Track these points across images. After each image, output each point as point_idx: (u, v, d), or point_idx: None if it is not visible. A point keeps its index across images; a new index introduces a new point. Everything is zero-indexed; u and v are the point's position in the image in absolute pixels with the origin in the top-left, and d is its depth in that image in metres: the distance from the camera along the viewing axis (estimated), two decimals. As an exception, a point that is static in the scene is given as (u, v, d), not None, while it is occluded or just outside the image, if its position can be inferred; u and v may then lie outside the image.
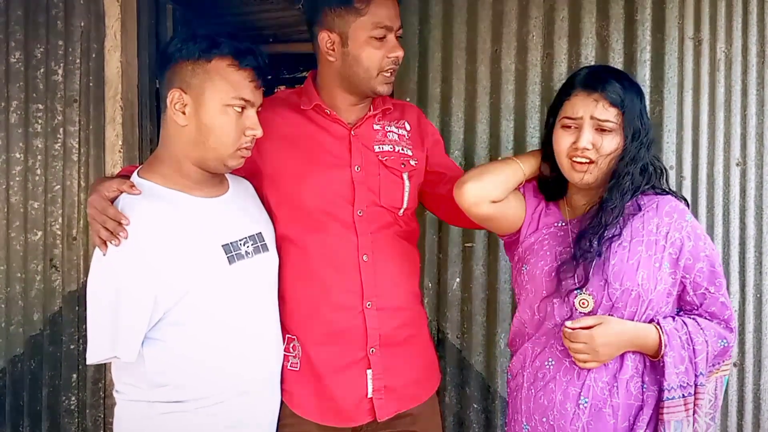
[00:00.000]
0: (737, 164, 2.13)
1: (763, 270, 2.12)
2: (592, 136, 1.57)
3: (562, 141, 1.60)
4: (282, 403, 1.75)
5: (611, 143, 1.56)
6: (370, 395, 1.74)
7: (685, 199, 1.64)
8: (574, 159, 1.58)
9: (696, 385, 1.52)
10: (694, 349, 1.52)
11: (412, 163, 1.86)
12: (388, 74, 1.77)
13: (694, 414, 1.52)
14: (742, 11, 2.14)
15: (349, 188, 1.76)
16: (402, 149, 1.87)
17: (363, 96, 1.81)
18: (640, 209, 1.59)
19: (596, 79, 1.61)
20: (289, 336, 1.75)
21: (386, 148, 1.84)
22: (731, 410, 2.14)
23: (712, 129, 2.15)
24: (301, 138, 1.79)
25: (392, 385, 1.75)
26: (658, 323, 1.53)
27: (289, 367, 1.75)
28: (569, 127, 1.59)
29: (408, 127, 1.91)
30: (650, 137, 1.61)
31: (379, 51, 1.74)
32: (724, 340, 1.55)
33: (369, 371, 1.74)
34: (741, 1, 2.14)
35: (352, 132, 1.80)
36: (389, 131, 1.87)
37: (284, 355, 1.75)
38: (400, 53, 1.77)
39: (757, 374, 2.13)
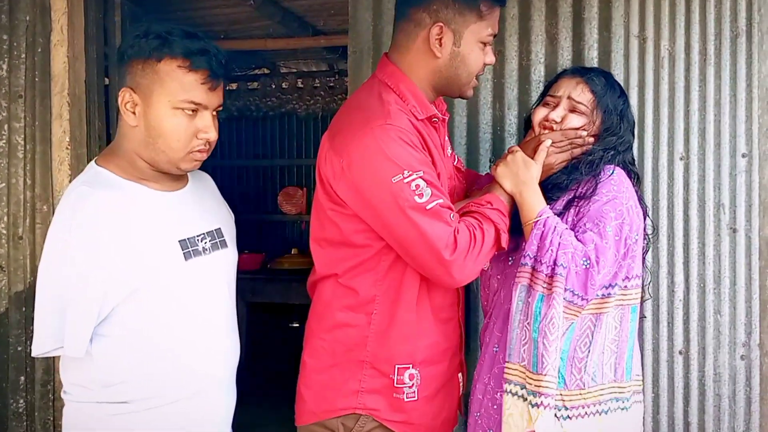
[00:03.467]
0: (681, 159, 2.20)
1: (706, 261, 2.19)
2: (564, 112, 1.78)
3: (539, 113, 1.81)
4: None
5: (575, 121, 1.77)
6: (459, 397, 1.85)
7: None
8: (543, 131, 1.78)
9: (554, 274, 1.64)
10: (560, 243, 1.64)
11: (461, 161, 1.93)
12: (477, 80, 1.74)
13: (552, 293, 1.63)
14: (684, 10, 2.20)
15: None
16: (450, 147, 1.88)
17: (443, 96, 1.78)
18: None
19: (584, 68, 1.87)
20: (402, 366, 1.67)
21: (449, 150, 1.85)
22: (677, 397, 2.20)
23: (657, 124, 2.21)
24: (432, 155, 1.67)
25: (464, 384, 1.88)
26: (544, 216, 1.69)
27: (406, 399, 1.67)
28: (548, 104, 1.80)
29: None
30: (620, 143, 1.79)
31: (482, 57, 1.69)
32: (587, 261, 1.65)
33: (459, 375, 1.84)
34: (684, 1, 2.20)
35: (442, 141, 1.77)
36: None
37: (397, 387, 1.67)
38: (494, 60, 1.74)
39: (702, 361, 2.19)
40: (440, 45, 1.65)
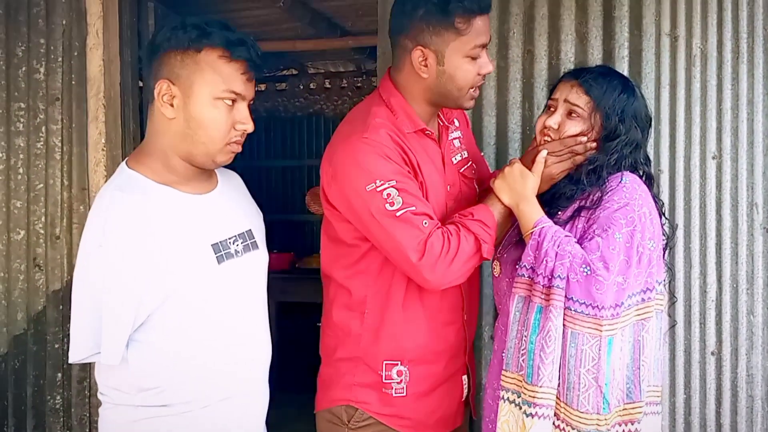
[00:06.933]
0: (713, 158, 2.18)
1: (739, 261, 2.16)
2: (561, 118, 1.75)
3: (540, 121, 1.80)
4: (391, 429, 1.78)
5: (573, 127, 1.74)
6: (464, 398, 1.89)
7: None
8: (544, 138, 1.77)
9: (551, 285, 1.64)
10: (557, 252, 1.63)
11: (474, 165, 1.92)
12: (475, 90, 1.75)
13: (549, 304, 1.63)
14: (717, 8, 2.18)
15: (444, 210, 1.78)
16: (464, 153, 1.90)
17: (443, 108, 1.81)
18: None
19: (582, 69, 1.80)
20: (389, 362, 1.76)
21: (458, 157, 1.88)
22: (709, 398, 2.18)
23: (689, 123, 2.19)
24: (416, 165, 1.74)
25: (472, 386, 1.94)
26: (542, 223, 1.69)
27: (394, 394, 1.77)
28: (549, 108, 1.78)
29: (457, 124, 1.92)
30: (623, 145, 1.73)
31: (473, 69, 1.71)
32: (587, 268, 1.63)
33: (464, 377, 1.88)
34: (716, -2, 2.19)
35: (443, 150, 1.81)
36: (453, 138, 1.88)
37: (386, 383, 1.77)
38: (491, 69, 1.75)
39: (734, 362, 2.17)
40: (425, 66, 1.71)
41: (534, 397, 1.62)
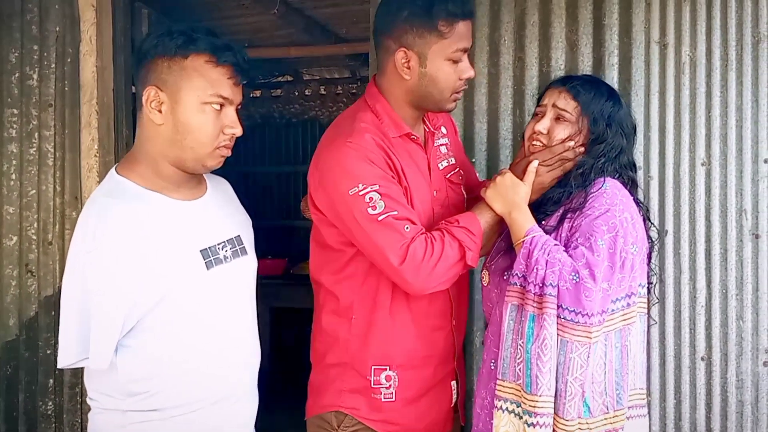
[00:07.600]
0: (702, 164, 2.19)
1: (728, 266, 2.18)
2: (549, 123, 1.78)
3: (529, 127, 1.83)
4: None
5: (562, 132, 1.77)
6: (453, 404, 1.90)
7: None
8: (532, 143, 1.79)
9: (543, 293, 1.65)
10: (547, 260, 1.65)
11: (462, 172, 1.92)
12: (458, 94, 1.77)
13: (543, 312, 1.64)
14: (705, 16, 2.19)
15: (431, 215, 1.79)
16: (451, 159, 1.91)
17: (426, 111, 1.83)
18: None
19: (569, 77, 1.86)
20: (378, 367, 1.77)
21: (444, 163, 1.89)
22: (699, 403, 2.19)
23: (678, 130, 2.20)
24: (401, 170, 1.76)
25: (461, 392, 1.94)
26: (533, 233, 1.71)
27: (383, 399, 1.77)
28: (537, 114, 1.81)
29: (445, 131, 1.94)
30: (609, 149, 1.77)
31: (454, 72, 1.73)
32: (576, 275, 1.64)
33: (453, 382, 1.89)
34: (705, 6, 2.19)
35: (429, 156, 1.83)
36: (440, 144, 1.90)
37: (374, 388, 1.77)
38: (472, 74, 1.76)
39: (724, 367, 2.18)
40: (408, 68, 1.73)
41: (534, 406, 1.62)
